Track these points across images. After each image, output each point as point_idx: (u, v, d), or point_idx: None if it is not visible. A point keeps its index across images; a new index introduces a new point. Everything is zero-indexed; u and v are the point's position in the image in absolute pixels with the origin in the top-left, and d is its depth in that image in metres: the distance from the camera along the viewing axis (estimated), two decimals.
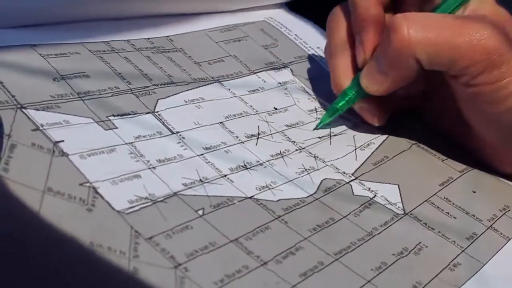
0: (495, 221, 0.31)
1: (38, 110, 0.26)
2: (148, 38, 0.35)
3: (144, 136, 0.28)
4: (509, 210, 0.32)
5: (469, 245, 0.29)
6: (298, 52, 0.40)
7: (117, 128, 0.27)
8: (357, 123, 0.35)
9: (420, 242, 0.28)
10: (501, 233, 0.30)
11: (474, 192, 0.33)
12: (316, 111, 0.35)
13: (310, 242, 0.26)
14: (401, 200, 0.30)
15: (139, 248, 0.22)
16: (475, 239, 0.29)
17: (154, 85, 0.31)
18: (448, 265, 0.27)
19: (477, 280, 0.27)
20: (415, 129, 0.36)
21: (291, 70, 0.38)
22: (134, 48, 0.34)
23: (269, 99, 0.35)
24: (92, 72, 0.30)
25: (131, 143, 0.27)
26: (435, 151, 0.35)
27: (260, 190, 0.28)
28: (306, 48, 0.41)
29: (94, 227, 0.22)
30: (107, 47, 0.33)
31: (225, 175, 0.28)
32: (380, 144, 0.34)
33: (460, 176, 0.34)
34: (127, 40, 0.34)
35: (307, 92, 0.37)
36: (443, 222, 0.30)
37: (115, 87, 0.30)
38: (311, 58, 0.40)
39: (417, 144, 0.35)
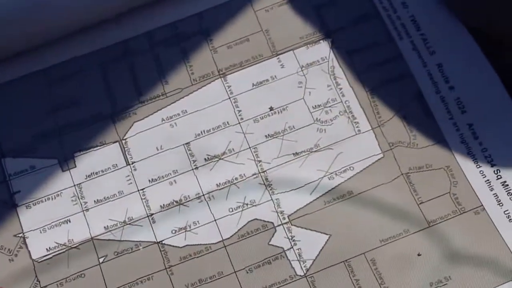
0: None
1: (15, 157, 0.34)
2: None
3: (96, 173, 0.33)
4: (438, 287, 0.28)
5: None
6: (361, 10, 0.35)
7: (75, 167, 0.33)
8: (361, 132, 0.32)
9: None
10: None
11: (419, 255, 0.28)
12: (324, 107, 0.33)
13: None
14: (315, 258, 0.29)
15: None
16: None
17: (141, 102, 0.34)
18: None
19: None
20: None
21: (331, 41, 0.34)
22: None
23: (271, 95, 0.34)
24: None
25: (79, 184, 0.33)
26: (424, 185, 0.31)
27: (174, 233, 0.31)
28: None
29: (8, 275, 0.31)
30: None
31: (151, 214, 0.32)
32: (360, 171, 0.31)
33: (421, 230, 0.29)
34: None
35: (333, 75, 0.34)
36: None
37: (98, 113, 0.34)
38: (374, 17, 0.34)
39: (407, 175, 0.31)
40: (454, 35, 0.34)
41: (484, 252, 0.29)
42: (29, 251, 0.31)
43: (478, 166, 0.31)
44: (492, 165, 0.31)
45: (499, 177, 0.31)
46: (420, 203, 0.31)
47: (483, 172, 0.31)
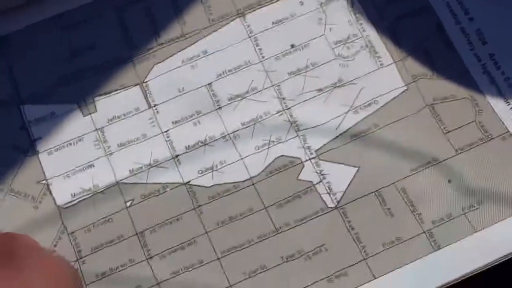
0: (437, 226, 0.28)
1: (34, 104, 0.33)
2: None
3: (118, 117, 0.32)
4: (470, 211, 0.28)
5: (377, 253, 0.28)
6: None
7: (96, 111, 0.32)
8: (383, 66, 0.32)
9: (323, 245, 0.28)
10: (434, 241, 0.28)
11: (450, 181, 0.29)
12: (345, 43, 0.33)
13: (208, 236, 0.29)
14: (345, 190, 0.29)
15: (58, 244, 0.30)
16: (392, 246, 0.28)
17: (159, 44, 0.34)
18: (331, 275, 0.28)
19: None
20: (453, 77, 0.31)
21: None
22: None
23: (291, 33, 0.33)
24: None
25: (101, 128, 0.32)
26: (449, 115, 0.31)
27: (201, 173, 0.31)
28: None
29: (34, 223, 0.31)
30: None
31: (177, 156, 0.31)
32: (386, 103, 0.31)
33: (451, 157, 0.30)
34: None
35: (353, 10, 0.33)
36: (371, 221, 0.29)
37: (116, 57, 0.34)
38: None
39: (431, 106, 0.31)
40: None
41: None
42: (53, 198, 0.31)
43: (501, 94, 0.31)
44: None
45: None
46: (447, 132, 0.31)
47: (507, 100, 0.31)
